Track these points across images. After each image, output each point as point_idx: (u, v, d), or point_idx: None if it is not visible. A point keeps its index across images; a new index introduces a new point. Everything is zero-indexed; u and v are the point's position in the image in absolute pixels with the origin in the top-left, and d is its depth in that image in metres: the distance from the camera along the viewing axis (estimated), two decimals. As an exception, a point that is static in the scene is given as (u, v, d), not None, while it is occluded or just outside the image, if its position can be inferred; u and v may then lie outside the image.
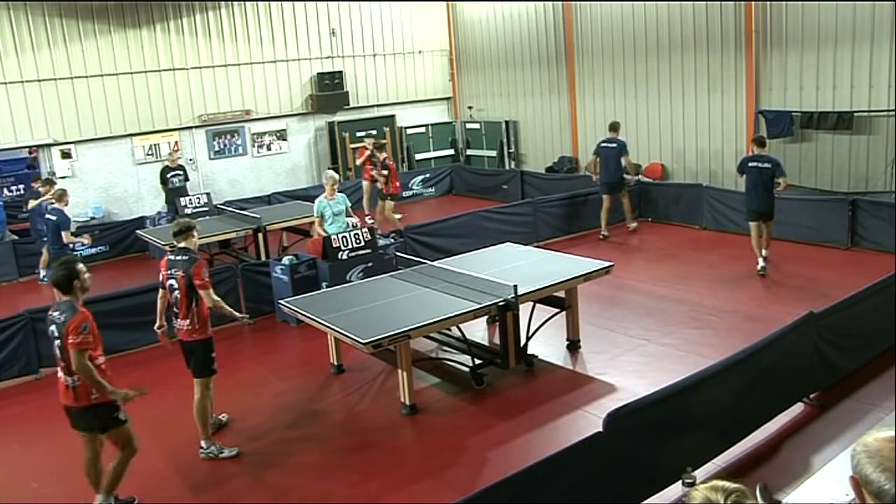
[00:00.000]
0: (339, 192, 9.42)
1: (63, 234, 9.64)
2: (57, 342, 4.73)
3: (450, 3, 18.21)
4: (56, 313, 4.73)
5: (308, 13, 16.41)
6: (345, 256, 8.59)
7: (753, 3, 12.02)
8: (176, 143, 14.90)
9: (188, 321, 5.74)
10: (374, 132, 16.99)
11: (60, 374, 4.80)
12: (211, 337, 5.87)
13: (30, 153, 15.09)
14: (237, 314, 6.16)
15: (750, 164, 9.39)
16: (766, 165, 9.25)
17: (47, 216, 9.91)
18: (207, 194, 13.05)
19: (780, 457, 5.10)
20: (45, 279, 10.48)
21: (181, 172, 13.48)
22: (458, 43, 18.36)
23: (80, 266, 4.83)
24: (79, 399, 4.74)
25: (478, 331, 7.70)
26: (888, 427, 1.84)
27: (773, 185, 9.25)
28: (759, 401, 5.26)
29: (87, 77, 13.94)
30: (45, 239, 10.38)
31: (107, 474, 4.99)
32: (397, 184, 12.18)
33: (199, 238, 10.49)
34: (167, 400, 6.77)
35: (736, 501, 1.63)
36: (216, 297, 5.78)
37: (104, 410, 4.80)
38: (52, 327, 4.74)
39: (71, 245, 10.07)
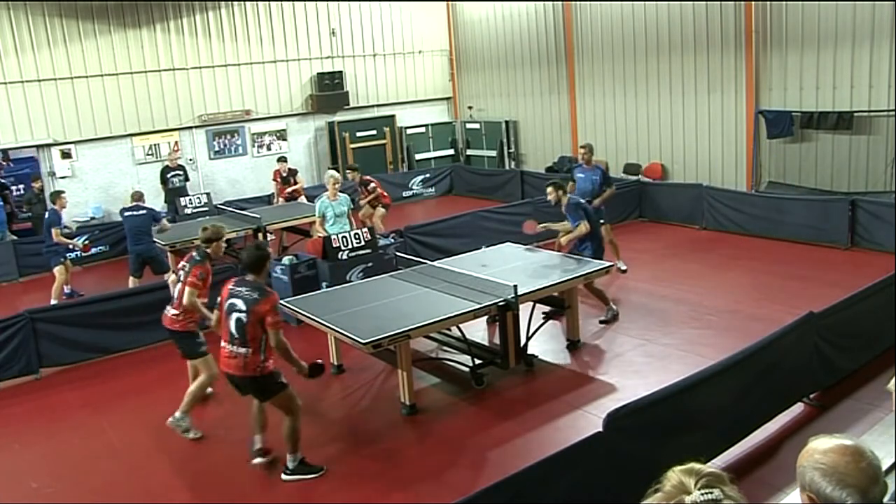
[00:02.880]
0: (339, 192, 9.42)
1: (53, 230, 9.78)
2: (239, 315, 5.09)
3: (450, 3, 18.21)
4: (244, 289, 5.14)
5: (308, 13, 16.42)
6: (345, 256, 8.58)
7: (753, 3, 12.02)
8: (176, 143, 14.91)
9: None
10: (374, 132, 17.03)
11: (229, 346, 5.17)
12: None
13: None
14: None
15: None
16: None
17: (129, 214, 9.85)
18: (207, 194, 13.05)
19: (780, 457, 5.09)
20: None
21: (181, 172, 13.49)
22: (458, 43, 18.36)
23: (270, 250, 5.39)
24: (247, 368, 5.15)
25: (478, 331, 7.70)
26: (837, 434, 1.81)
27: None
28: (759, 401, 5.26)
29: (87, 77, 13.94)
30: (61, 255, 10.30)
31: (287, 439, 5.34)
32: (385, 193, 11.71)
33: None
34: (168, 400, 6.76)
35: (707, 484, 1.60)
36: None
37: (270, 379, 5.23)
38: (237, 301, 5.12)
39: (64, 246, 10.07)
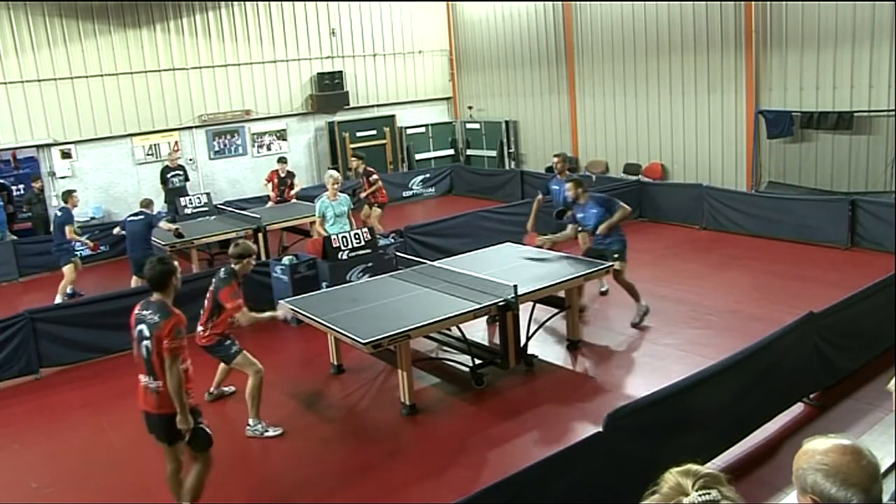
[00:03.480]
0: (340, 192, 9.42)
1: (67, 228, 9.89)
2: (146, 343, 4.50)
3: (450, 3, 18.21)
4: (147, 312, 4.54)
5: (308, 13, 16.41)
6: (345, 256, 8.58)
7: (753, 3, 12.02)
8: (176, 143, 14.90)
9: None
10: (374, 132, 17.02)
11: (143, 378, 4.58)
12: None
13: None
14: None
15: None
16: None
17: (131, 219, 9.94)
18: (207, 194, 13.04)
19: (780, 457, 5.09)
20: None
21: (181, 172, 13.48)
22: (458, 43, 18.36)
23: (176, 264, 4.70)
24: (161, 406, 4.51)
25: (478, 331, 7.70)
26: (837, 434, 1.81)
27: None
28: (759, 401, 5.26)
29: (87, 77, 13.94)
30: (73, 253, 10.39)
31: (190, 490, 4.73)
32: (384, 192, 11.81)
33: (200, 238, 10.66)
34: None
35: (704, 485, 1.60)
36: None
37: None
38: (142, 327, 4.52)
39: (74, 242, 10.17)
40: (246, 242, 6.33)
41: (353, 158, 12.05)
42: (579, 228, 7.99)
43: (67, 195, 10.30)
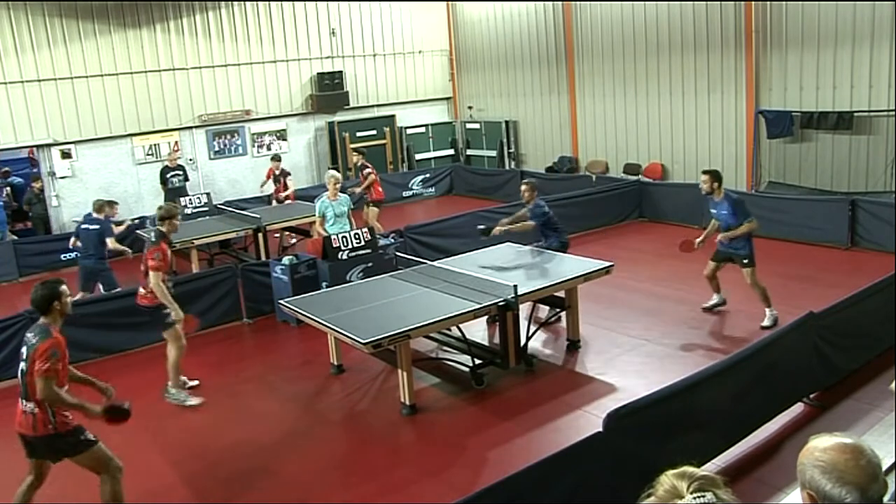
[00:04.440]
0: (340, 192, 9.42)
1: (109, 240, 9.13)
2: (22, 364, 4.42)
3: (450, 3, 18.21)
4: (30, 335, 4.47)
5: (308, 13, 16.41)
6: (345, 256, 8.58)
7: (753, 3, 12.02)
8: (176, 143, 14.90)
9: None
10: (374, 132, 17.02)
11: (21, 401, 4.43)
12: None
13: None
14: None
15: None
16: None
17: (85, 226, 9.22)
18: (207, 194, 13.05)
19: (780, 457, 5.09)
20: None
21: (181, 172, 13.48)
22: (458, 43, 18.36)
23: (63, 288, 4.58)
24: (36, 429, 4.37)
25: (478, 331, 7.70)
26: (839, 433, 1.81)
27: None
28: (759, 401, 5.26)
29: (87, 77, 13.94)
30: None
31: None
32: (380, 189, 11.79)
33: (200, 238, 10.66)
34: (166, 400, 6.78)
35: (699, 488, 1.60)
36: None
37: (69, 436, 4.45)
38: (23, 349, 4.48)
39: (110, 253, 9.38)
40: (169, 204, 7.06)
41: (356, 153, 12.12)
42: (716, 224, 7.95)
43: (106, 205, 9.38)
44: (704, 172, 7.75)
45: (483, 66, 17.79)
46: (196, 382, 7.12)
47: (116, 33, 14.16)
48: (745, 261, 7.59)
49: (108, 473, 4.60)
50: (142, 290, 6.62)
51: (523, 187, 8.42)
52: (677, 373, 6.02)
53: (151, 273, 6.36)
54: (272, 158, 13.33)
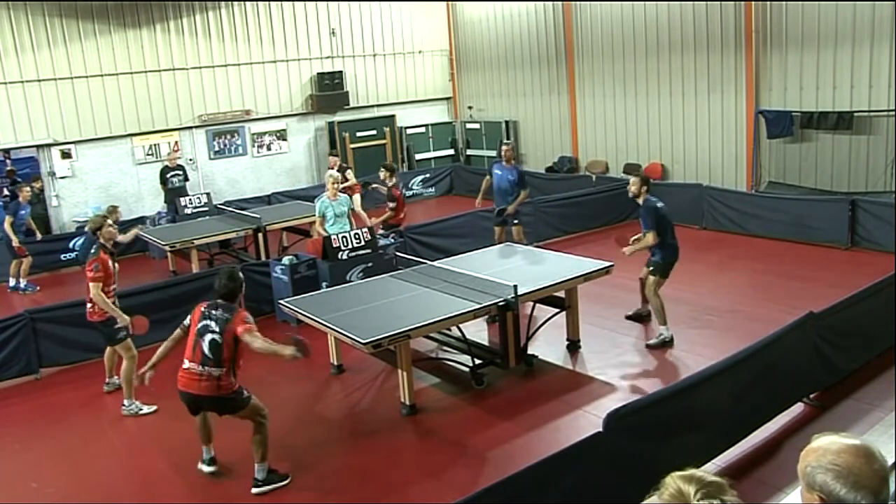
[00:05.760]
0: (339, 192, 9.42)
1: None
2: (215, 335, 5.02)
3: (450, 3, 18.21)
4: (217, 311, 5.10)
5: (308, 13, 16.41)
6: (345, 256, 8.58)
7: (753, 3, 12.02)
8: (176, 143, 14.90)
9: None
10: (374, 132, 17.01)
11: (199, 367, 5.03)
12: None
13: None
14: None
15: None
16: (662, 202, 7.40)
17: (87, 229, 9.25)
18: (207, 194, 13.05)
19: (780, 457, 5.09)
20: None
21: (180, 172, 13.47)
22: (458, 43, 18.35)
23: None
24: (221, 389, 5.06)
25: (478, 331, 7.70)
26: (841, 433, 1.79)
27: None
28: (760, 401, 5.26)
29: (87, 77, 13.93)
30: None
31: (255, 448, 5.26)
32: (402, 216, 10.33)
33: (200, 238, 10.65)
34: (168, 399, 6.76)
35: (707, 494, 1.57)
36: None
37: (239, 396, 5.17)
38: (209, 322, 5.07)
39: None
40: (95, 216, 7.06)
41: (332, 157, 12.24)
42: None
43: (114, 211, 9.01)
44: (633, 175, 7.61)
45: (483, 66, 17.78)
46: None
47: (116, 33, 14.16)
48: (651, 268, 7.33)
49: (261, 423, 5.27)
50: (89, 306, 6.59)
51: (504, 147, 9.88)
52: (677, 373, 6.03)
53: (91, 284, 6.36)
54: (330, 154, 13.17)
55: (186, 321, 5.27)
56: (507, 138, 17.09)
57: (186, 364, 5.11)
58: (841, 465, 1.69)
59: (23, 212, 10.95)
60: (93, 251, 6.56)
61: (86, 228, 6.68)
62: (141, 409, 6.64)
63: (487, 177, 10.19)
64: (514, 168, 9.96)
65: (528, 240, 10.24)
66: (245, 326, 5.02)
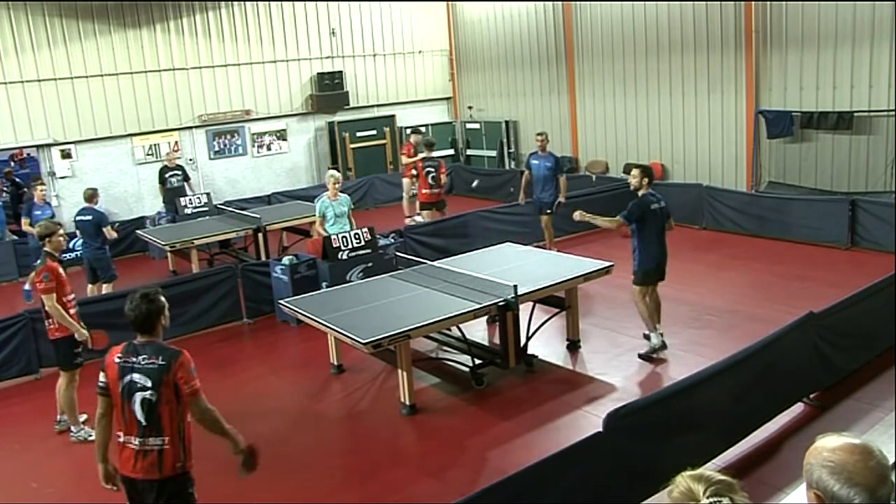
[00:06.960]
0: (340, 192, 9.42)
1: (105, 229, 9.18)
2: (148, 393, 3.72)
3: (450, 3, 18.21)
4: (141, 357, 3.76)
5: (308, 13, 16.41)
6: (345, 256, 8.59)
7: (753, 3, 12.02)
8: (176, 143, 14.90)
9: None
10: (374, 132, 17.00)
11: (135, 440, 3.78)
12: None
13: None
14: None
15: (652, 207, 6.89)
16: (663, 204, 7.00)
17: (79, 218, 9.32)
18: (207, 194, 13.05)
19: (780, 457, 5.10)
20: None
21: (180, 172, 13.45)
22: (458, 43, 18.35)
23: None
24: (164, 467, 3.82)
25: (478, 331, 7.70)
26: (846, 432, 1.80)
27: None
28: (760, 401, 5.26)
29: (87, 77, 13.93)
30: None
31: None
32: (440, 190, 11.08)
33: (201, 238, 10.66)
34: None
35: (716, 493, 1.58)
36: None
37: (186, 483, 4.02)
38: (137, 375, 3.73)
39: (108, 240, 9.43)
40: (46, 222, 6.48)
41: (432, 142, 11.86)
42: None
43: (95, 194, 9.48)
44: (636, 167, 7.13)
45: (483, 66, 17.78)
46: (84, 416, 6.36)
47: (116, 33, 14.16)
48: (633, 276, 7.12)
49: None
50: (48, 322, 6.08)
51: (539, 137, 10.63)
52: (677, 373, 6.03)
53: (44, 297, 5.88)
54: (412, 132, 12.67)
55: (101, 379, 3.81)
56: (507, 138, 17.11)
57: (122, 438, 3.83)
58: (835, 461, 1.71)
59: (38, 212, 10.23)
60: (38, 261, 6.03)
61: (34, 232, 6.19)
62: (90, 435, 5.90)
63: (525, 171, 10.74)
64: (550, 154, 10.61)
65: (530, 239, 10.27)
66: (193, 386, 3.74)
